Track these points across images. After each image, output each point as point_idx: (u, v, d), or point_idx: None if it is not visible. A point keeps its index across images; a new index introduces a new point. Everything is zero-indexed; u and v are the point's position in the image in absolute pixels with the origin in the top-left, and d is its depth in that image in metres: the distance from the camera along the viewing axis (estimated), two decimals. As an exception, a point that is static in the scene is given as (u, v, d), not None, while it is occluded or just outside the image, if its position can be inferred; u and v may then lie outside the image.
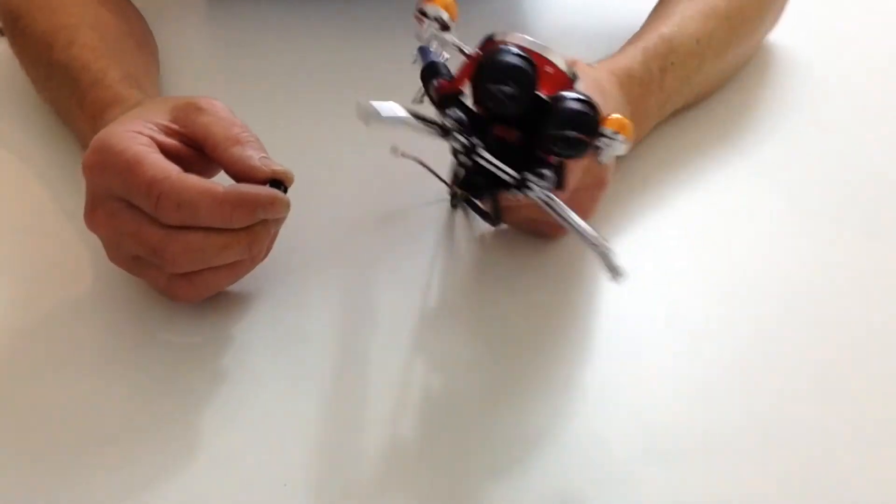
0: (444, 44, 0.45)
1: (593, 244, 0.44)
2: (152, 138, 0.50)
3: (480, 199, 0.47)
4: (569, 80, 0.45)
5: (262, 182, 0.49)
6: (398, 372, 0.51)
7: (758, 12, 0.71)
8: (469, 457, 0.47)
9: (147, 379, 0.51)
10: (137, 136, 0.49)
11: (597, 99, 0.45)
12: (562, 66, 0.44)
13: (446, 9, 0.43)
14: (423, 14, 0.44)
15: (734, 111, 0.70)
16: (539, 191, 0.44)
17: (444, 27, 0.44)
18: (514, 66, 0.41)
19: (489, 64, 0.42)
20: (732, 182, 0.64)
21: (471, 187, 0.46)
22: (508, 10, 0.79)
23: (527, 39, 0.44)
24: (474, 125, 0.44)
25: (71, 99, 0.59)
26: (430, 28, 0.44)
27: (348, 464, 0.47)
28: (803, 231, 0.61)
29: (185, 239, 0.48)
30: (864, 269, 0.58)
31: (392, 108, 0.43)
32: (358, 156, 0.62)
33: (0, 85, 0.71)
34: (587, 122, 0.43)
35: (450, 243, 0.58)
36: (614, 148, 0.44)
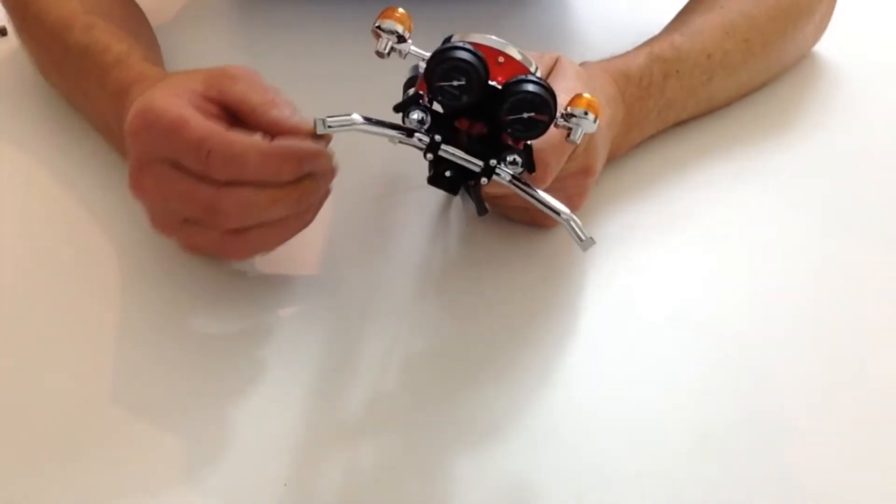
0: (403, 54, 0.47)
1: (559, 214, 0.47)
2: (191, 103, 0.50)
3: (455, 193, 0.50)
4: (524, 68, 0.47)
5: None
6: (397, 371, 0.51)
7: (780, 37, 0.69)
8: (470, 457, 0.47)
9: (142, 380, 0.51)
10: (179, 99, 0.49)
11: (576, 84, 0.47)
12: (516, 56, 0.46)
13: (401, 22, 0.46)
14: (380, 29, 0.46)
15: (754, 115, 0.70)
16: (504, 173, 0.47)
17: (401, 39, 0.46)
18: (460, 60, 0.44)
19: (436, 62, 0.45)
20: (743, 185, 0.64)
21: (441, 182, 0.48)
22: (547, 16, 0.80)
23: (485, 37, 0.46)
24: (439, 123, 0.47)
25: (90, 80, 0.59)
26: (389, 41, 0.47)
27: (348, 463, 0.47)
28: (805, 233, 0.61)
29: (237, 193, 0.48)
30: (868, 270, 0.58)
31: (349, 119, 0.47)
32: (360, 146, 0.62)
33: (0, 85, 0.71)
34: (540, 103, 0.45)
35: (444, 229, 0.59)
36: (584, 127, 0.46)
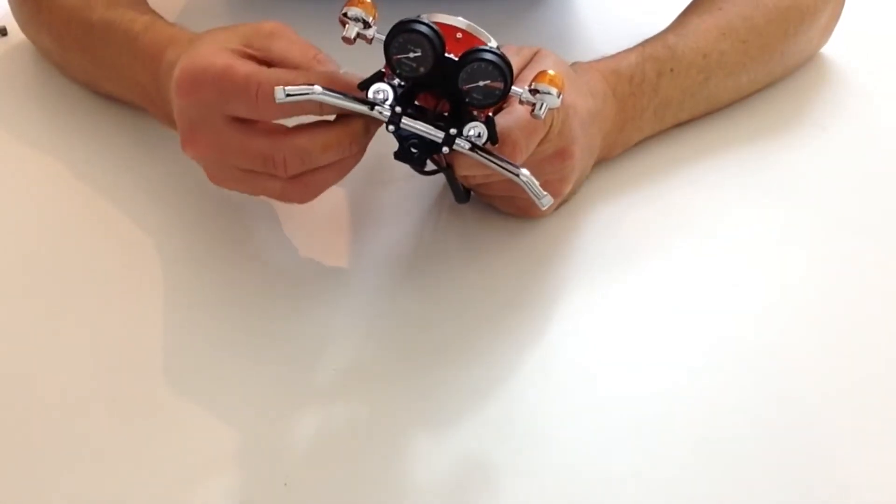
0: (368, 39, 0.49)
1: (516, 175, 0.49)
2: (233, 55, 0.51)
3: (422, 167, 0.51)
4: (481, 42, 0.48)
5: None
6: (397, 370, 0.51)
7: (781, 39, 0.69)
8: (470, 456, 0.47)
9: (141, 381, 0.50)
10: (222, 52, 0.50)
11: (554, 69, 0.48)
12: (472, 30, 0.48)
13: (365, 10, 0.48)
14: (346, 17, 0.48)
15: (758, 116, 0.69)
16: (464, 142, 0.48)
17: (366, 25, 0.48)
18: (414, 31, 0.46)
19: (392, 35, 0.47)
20: (746, 186, 0.64)
21: (407, 156, 0.50)
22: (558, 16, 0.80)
23: (445, 16, 0.48)
24: (402, 99, 0.49)
25: (120, 51, 0.60)
26: (355, 28, 0.48)
27: (348, 463, 0.46)
28: (809, 234, 0.60)
29: (292, 143, 0.50)
30: (873, 272, 0.58)
31: (309, 88, 0.48)
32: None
33: (0, 85, 0.71)
34: (493, 70, 0.47)
35: (433, 219, 0.60)
36: (548, 101, 0.48)
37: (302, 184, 0.52)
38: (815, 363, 0.52)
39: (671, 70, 0.63)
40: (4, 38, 0.74)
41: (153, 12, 0.62)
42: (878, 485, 0.47)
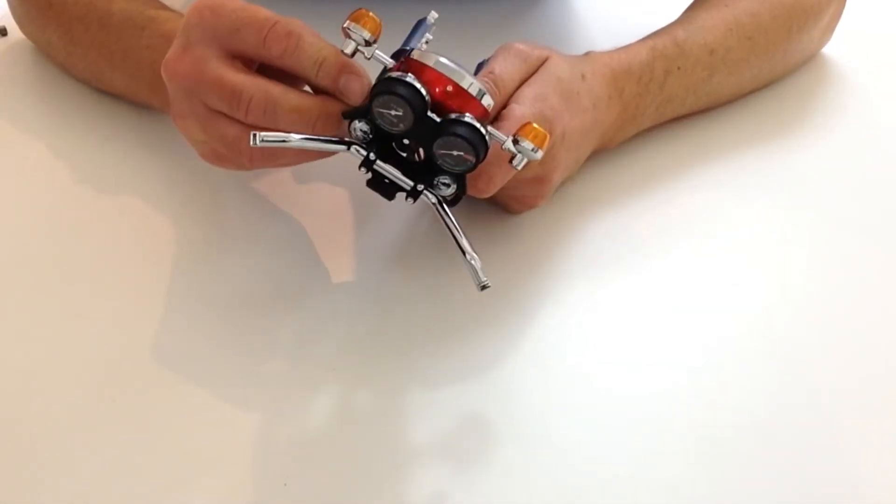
0: (367, 56, 0.48)
1: (465, 255, 0.49)
2: None
3: (391, 199, 0.51)
4: (470, 100, 0.48)
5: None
6: (396, 370, 0.51)
7: (785, 37, 0.69)
8: (472, 458, 0.47)
9: (141, 381, 0.50)
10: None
11: (551, 94, 0.51)
12: (467, 85, 0.48)
13: (370, 30, 0.47)
14: (349, 32, 0.48)
15: (758, 115, 0.69)
16: (431, 195, 0.50)
17: (368, 44, 0.48)
18: (398, 95, 0.47)
19: (378, 90, 0.47)
20: (745, 185, 0.64)
21: (379, 187, 0.50)
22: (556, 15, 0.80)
23: (440, 62, 0.48)
24: (381, 138, 0.49)
25: (133, 37, 0.60)
26: (355, 45, 0.48)
27: (349, 463, 0.46)
28: (808, 233, 0.60)
29: (265, 87, 0.49)
30: (872, 271, 0.58)
31: (285, 135, 0.48)
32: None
33: (0, 85, 0.71)
34: (468, 147, 0.47)
35: (427, 214, 0.60)
36: (526, 156, 0.48)
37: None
38: (815, 363, 0.52)
39: (678, 68, 0.63)
40: (4, 38, 0.74)
41: (175, 10, 0.62)
42: (878, 485, 0.46)
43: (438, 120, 0.48)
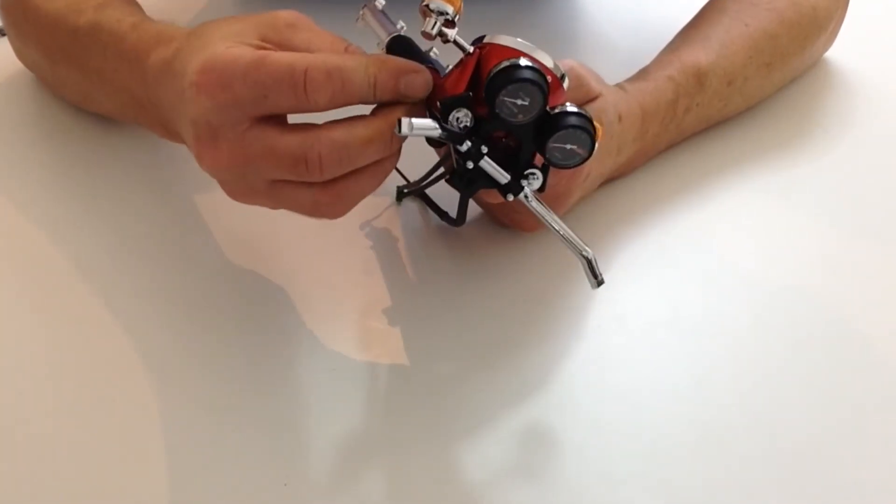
0: (446, 39, 0.45)
1: (576, 248, 0.47)
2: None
3: (470, 195, 0.49)
4: (560, 84, 0.46)
5: None
6: (396, 370, 0.51)
7: (798, 55, 0.68)
8: (469, 457, 0.47)
9: (142, 382, 0.50)
10: (242, 46, 0.44)
11: (599, 125, 0.47)
12: (553, 68, 0.46)
13: (451, 3, 0.44)
14: (428, 8, 0.44)
15: (765, 124, 0.69)
16: (529, 193, 0.47)
17: (450, 23, 0.44)
18: (531, 81, 0.43)
19: (505, 77, 0.44)
20: (754, 195, 0.63)
21: (463, 183, 0.47)
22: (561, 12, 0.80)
23: (519, 42, 0.45)
24: (479, 129, 0.46)
25: (105, 54, 0.55)
26: (437, 22, 0.45)
27: (349, 463, 0.46)
28: (814, 235, 0.60)
29: (329, 136, 0.44)
30: (883, 278, 0.58)
31: (425, 122, 0.44)
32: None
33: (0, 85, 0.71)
34: (586, 139, 0.46)
35: (427, 234, 0.59)
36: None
37: (335, 192, 0.46)
38: (815, 363, 0.52)
39: (697, 104, 0.62)
40: (4, 38, 0.74)
41: (143, 13, 0.57)
42: (879, 485, 0.46)
43: (550, 111, 0.45)
